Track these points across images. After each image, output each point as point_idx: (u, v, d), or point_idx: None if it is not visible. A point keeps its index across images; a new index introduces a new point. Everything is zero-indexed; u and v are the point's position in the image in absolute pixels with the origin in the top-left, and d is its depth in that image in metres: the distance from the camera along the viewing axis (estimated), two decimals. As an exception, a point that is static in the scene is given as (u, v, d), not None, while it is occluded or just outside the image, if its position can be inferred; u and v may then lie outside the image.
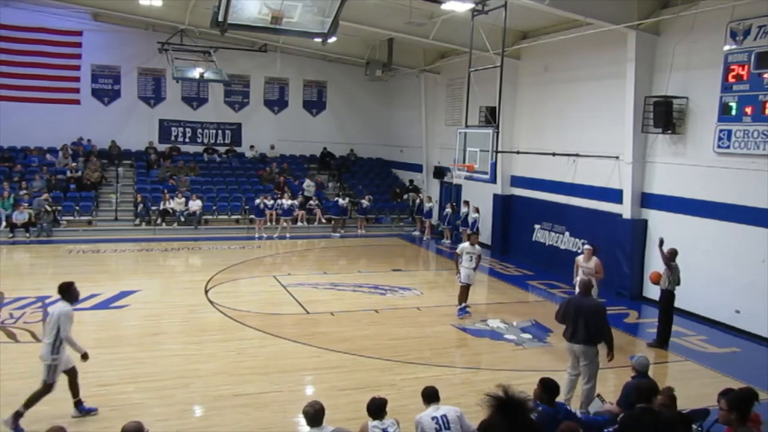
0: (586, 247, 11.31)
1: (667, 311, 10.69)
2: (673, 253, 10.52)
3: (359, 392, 7.68)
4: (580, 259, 11.22)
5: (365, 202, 22.01)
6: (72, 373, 7.20)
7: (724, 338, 11.34)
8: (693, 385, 8.85)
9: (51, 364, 6.93)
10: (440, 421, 5.41)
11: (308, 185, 23.01)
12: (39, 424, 6.49)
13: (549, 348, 10.41)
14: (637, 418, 5.07)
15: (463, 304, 11.98)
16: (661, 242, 10.64)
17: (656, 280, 10.72)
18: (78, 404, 7.24)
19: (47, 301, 11.82)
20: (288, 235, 20.58)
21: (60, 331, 6.88)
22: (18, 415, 6.75)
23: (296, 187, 22.76)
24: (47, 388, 6.92)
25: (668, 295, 10.61)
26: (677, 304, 10.85)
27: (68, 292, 7.18)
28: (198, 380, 8.41)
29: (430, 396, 5.68)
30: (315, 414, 5.19)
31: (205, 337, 10.29)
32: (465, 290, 11.99)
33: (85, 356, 7.14)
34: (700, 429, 5.99)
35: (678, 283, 10.54)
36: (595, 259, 10.94)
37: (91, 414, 7.22)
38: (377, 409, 5.44)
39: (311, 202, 22.09)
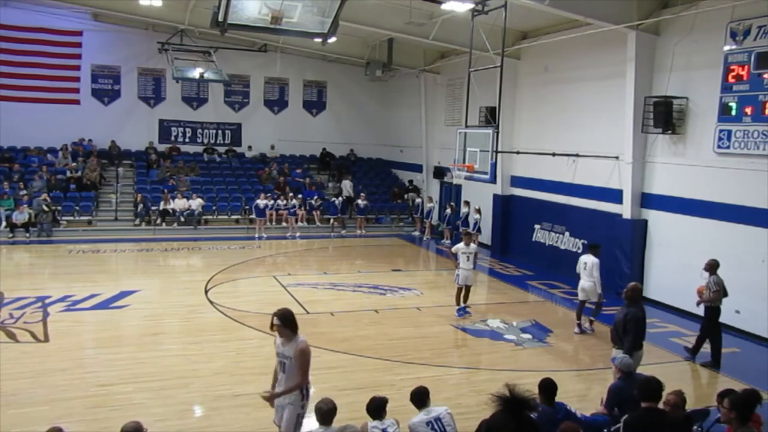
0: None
1: (712, 327, 9.78)
2: (713, 265, 9.69)
3: (359, 392, 7.66)
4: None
5: (361, 202, 22.01)
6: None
7: (724, 338, 11.18)
8: (693, 385, 8.85)
9: (598, 292, 10.73)
10: (435, 427, 5.38)
11: (346, 185, 23.05)
12: (39, 424, 6.47)
13: (549, 348, 10.40)
14: (641, 419, 5.05)
15: (463, 305, 12.00)
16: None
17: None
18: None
19: (47, 301, 11.87)
20: (290, 234, 20.63)
21: (596, 273, 10.64)
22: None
23: (305, 189, 22.82)
24: (600, 305, 10.80)
25: (712, 311, 9.75)
26: (680, 305, 10.77)
27: (597, 249, 11.02)
28: (198, 380, 8.41)
29: (421, 399, 5.61)
30: (327, 412, 5.18)
31: (205, 337, 10.28)
32: (465, 292, 11.98)
33: None
34: (700, 429, 5.98)
35: (719, 299, 9.64)
36: None
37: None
38: (377, 408, 5.43)
39: (295, 202, 22.02)
